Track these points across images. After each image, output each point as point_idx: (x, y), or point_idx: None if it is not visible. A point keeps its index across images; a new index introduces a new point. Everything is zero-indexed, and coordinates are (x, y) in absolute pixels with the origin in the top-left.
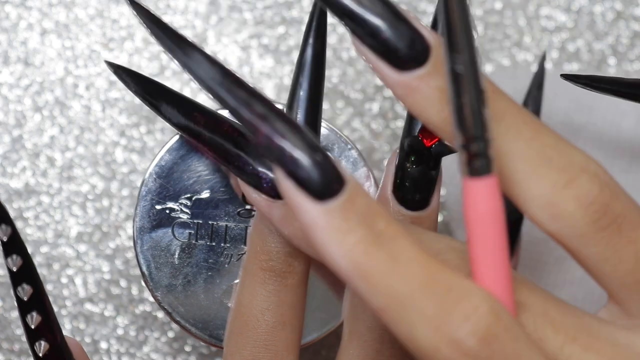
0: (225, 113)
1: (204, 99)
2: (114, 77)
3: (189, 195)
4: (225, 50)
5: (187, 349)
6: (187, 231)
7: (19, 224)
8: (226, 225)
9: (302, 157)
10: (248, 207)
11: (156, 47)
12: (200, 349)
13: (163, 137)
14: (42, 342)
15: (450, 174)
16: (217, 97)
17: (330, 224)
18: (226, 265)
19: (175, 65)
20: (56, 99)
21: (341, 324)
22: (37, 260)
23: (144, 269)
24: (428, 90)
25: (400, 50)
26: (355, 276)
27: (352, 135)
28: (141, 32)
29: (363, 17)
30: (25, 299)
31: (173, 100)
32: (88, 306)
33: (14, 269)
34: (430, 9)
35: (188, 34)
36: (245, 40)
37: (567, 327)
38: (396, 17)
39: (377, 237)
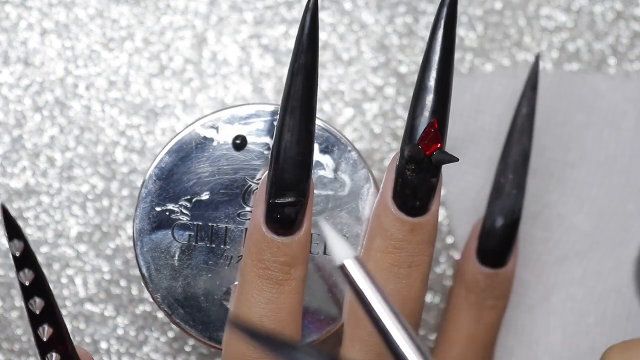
0: None
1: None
2: (114, 77)
3: (188, 197)
4: (225, 50)
5: (187, 349)
6: (187, 233)
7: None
8: (226, 227)
9: None
10: (248, 209)
11: (156, 47)
12: (200, 349)
13: (163, 137)
14: (54, 354)
15: (450, 174)
16: None
17: None
18: (226, 267)
19: (175, 65)
20: (56, 99)
21: (341, 326)
22: None
23: (144, 270)
24: None
25: None
26: None
27: (352, 135)
28: (141, 32)
29: None
30: (37, 312)
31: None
32: (88, 306)
33: (27, 283)
34: (431, 9)
35: (188, 34)
36: (245, 40)
37: None
38: None
39: None
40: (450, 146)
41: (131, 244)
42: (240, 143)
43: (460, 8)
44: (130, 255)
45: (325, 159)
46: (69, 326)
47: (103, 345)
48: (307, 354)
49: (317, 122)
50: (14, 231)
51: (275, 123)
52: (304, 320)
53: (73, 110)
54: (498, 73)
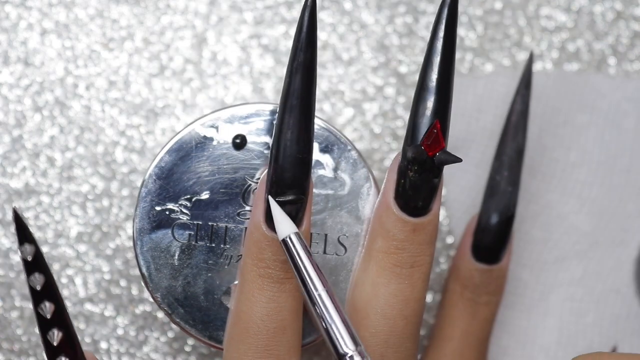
0: None
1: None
2: (114, 77)
3: (188, 196)
4: (225, 50)
5: (187, 349)
6: (187, 232)
7: None
8: (226, 226)
9: None
10: (248, 208)
11: (156, 47)
12: (200, 349)
13: (163, 137)
14: (63, 358)
15: (451, 174)
16: None
17: None
18: (226, 267)
19: (175, 65)
20: (56, 99)
21: None
22: None
23: (144, 270)
24: None
25: None
26: None
27: (352, 135)
28: (141, 32)
29: None
30: (48, 316)
31: None
32: (88, 306)
33: (38, 288)
34: (431, 9)
35: (188, 34)
36: (245, 40)
37: None
38: None
39: None
40: (451, 146)
41: (131, 243)
42: (240, 142)
43: (460, 8)
44: (130, 255)
45: (325, 158)
46: None
47: (103, 345)
48: None
49: (317, 121)
50: (25, 235)
51: (275, 122)
52: (304, 320)
53: (73, 110)
54: (500, 73)
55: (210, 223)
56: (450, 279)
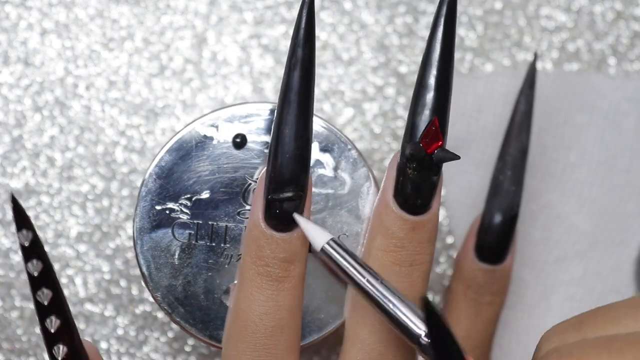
0: None
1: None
2: (114, 77)
3: (188, 195)
4: (225, 50)
5: (187, 349)
6: (187, 231)
7: None
8: (226, 225)
9: None
10: (248, 207)
11: (156, 47)
12: (200, 349)
13: (163, 137)
14: (61, 346)
15: (450, 174)
16: None
17: None
18: (226, 266)
19: (175, 65)
20: (56, 99)
21: (341, 325)
22: None
23: (144, 269)
24: None
25: None
26: None
27: (352, 135)
28: (141, 32)
29: None
30: (46, 303)
31: None
32: (88, 306)
33: (35, 274)
34: (431, 9)
35: (188, 34)
36: (245, 40)
37: None
38: None
39: None
40: (451, 146)
41: (131, 243)
42: (240, 142)
43: (460, 8)
44: (130, 255)
45: (325, 158)
46: None
47: (103, 345)
48: None
49: (317, 120)
50: (23, 221)
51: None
52: (304, 320)
53: (73, 110)
54: (499, 73)
55: (210, 222)
56: (454, 279)
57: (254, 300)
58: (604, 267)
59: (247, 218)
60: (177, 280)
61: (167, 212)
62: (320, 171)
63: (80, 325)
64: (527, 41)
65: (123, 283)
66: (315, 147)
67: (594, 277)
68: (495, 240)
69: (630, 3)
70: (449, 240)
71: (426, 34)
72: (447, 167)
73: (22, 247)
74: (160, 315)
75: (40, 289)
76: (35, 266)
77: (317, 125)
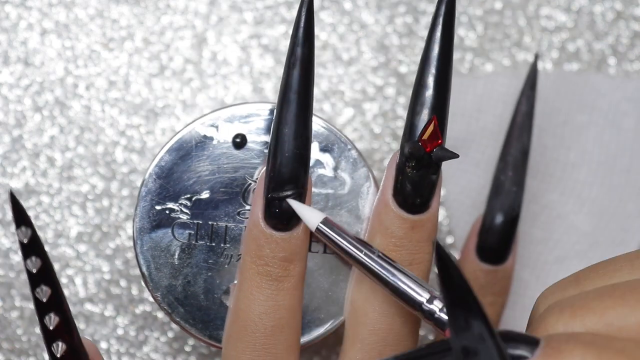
0: None
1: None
2: (114, 77)
3: (188, 195)
4: (225, 50)
5: (187, 349)
6: (187, 231)
7: None
8: (226, 225)
9: None
10: (248, 207)
11: (156, 47)
12: (200, 349)
13: (163, 137)
14: (60, 343)
15: (450, 174)
16: None
17: None
18: (226, 266)
19: (175, 65)
20: (56, 99)
21: (341, 324)
22: None
23: (144, 269)
24: None
25: None
26: None
27: (352, 135)
28: (141, 32)
29: None
30: (44, 300)
31: None
32: (88, 306)
33: (34, 271)
34: (430, 9)
35: (188, 34)
36: (245, 40)
37: None
38: None
39: None
40: (451, 146)
41: (131, 243)
42: (240, 142)
43: (460, 8)
44: (130, 255)
45: (325, 158)
46: None
47: (103, 345)
48: None
49: (317, 120)
50: (22, 219)
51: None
52: (304, 319)
53: (73, 110)
54: (499, 73)
55: (210, 222)
56: None
57: (254, 299)
58: None
59: (247, 218)
60: (177, 280)
61: (167, 212)
62: (320, 171)
63: (80, 325)
64: (527, 41)
65: (123, 283)
66: (315, 147)
67: None
68: (496, 240)
69: (630, 3)
70: (449, 240)
71: (426, 34)
72: (446, 167)
73: (21, 244)
74: (160, 315)
75: (39, 286)
76: (34, 263)
77: (317, 125)
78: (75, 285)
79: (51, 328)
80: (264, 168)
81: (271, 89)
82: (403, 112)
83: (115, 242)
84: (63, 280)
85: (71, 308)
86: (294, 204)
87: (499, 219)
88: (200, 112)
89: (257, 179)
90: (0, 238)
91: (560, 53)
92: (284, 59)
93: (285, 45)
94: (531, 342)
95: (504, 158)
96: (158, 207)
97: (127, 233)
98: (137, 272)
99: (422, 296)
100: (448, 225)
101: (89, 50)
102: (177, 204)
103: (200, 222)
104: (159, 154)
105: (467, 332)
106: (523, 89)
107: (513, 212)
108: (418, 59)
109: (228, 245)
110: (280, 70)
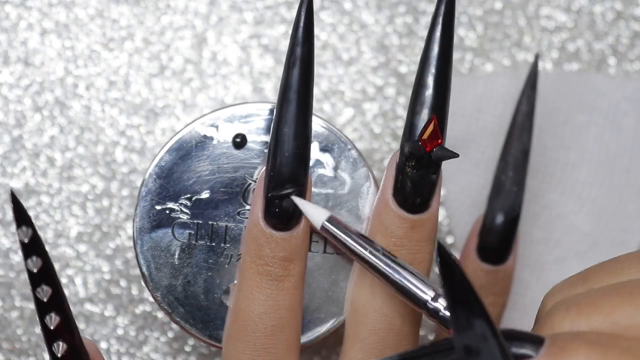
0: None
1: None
2: (114, 77)
3: (188, 195)
4: (225, 50)
5: (187, 349)
6: (187, 231)
7: None
8: (226, 225)
9: None
10: (248, 207)
11: (156, 47)
12: (200, 349)
13: (163, 137)
14: (61, 343)
15: (450, 173)
16: None
17: None
18: (226, 266)
19: (175, 65)
20: (56, 99)
21: (341, 324)
22: None
23: (144, 269)
24: None
25: None
26: None
27: (352, 135)
28: (141, 32)
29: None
30: (45, 300)
31: None
32: (88, 306)
33: (35, 270)
34: (430, 9)
35: (188, 34)
36: (245, 40)
37: None
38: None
39: None
40: (451, 146)
41: (131, 243)
42: (240, 141)
43: (460, 8)
44: (130, 255)
45: (325, 158)
46: None
47: (103, 345)
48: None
49: (317, 120)
50: (22, 218)
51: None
52: (304, 319)
53: (73, 110)
54: (499, 73)
55: (210, 222)
56: None
57: (254, 299)
58: None
59: (247, 218)
60: (177, 280)
61: (167, 212)
62: (320, 171)
63: (80, 325)
64: (527, 41)
65: (123, 283)
66: (315, 147)
67: None
68: (497, 240)
69: (630, 3)
70: (449, 240)
71: (426, 34)
72: (446, 167)
73: (22, 244)
74: (160, 315)
75: (40, 285)
76: (35, 263)
77: (317, 125)
78: (75, 285)
79: (52, 328)
80: (264, 168)
81: (271, 89)
82: (403, 112)
83: (115, 242)
84: (63, 280)
85: (71, 308)
86: (299, 201)
87: (499, 219)
88: (200, 112)
89: (257, 179)
90: (0, 238)
91: (560, 53)
92: (284, 59)
93: (285, 45)
94: (536, 341)
95: (504, 158)
96: (158, 207)
97: (127, 233)
98: (137, 272)
99: (426, 294)
100: (448, 225)
101: (89, 50)
102: (177, 204)
103: (200, 222)
104: (159, 154)
105: (470, 331)
106: (523, 89)
107: (513, 212)
108: (418, 59)
109: (228, 245)
110: (280, 70)
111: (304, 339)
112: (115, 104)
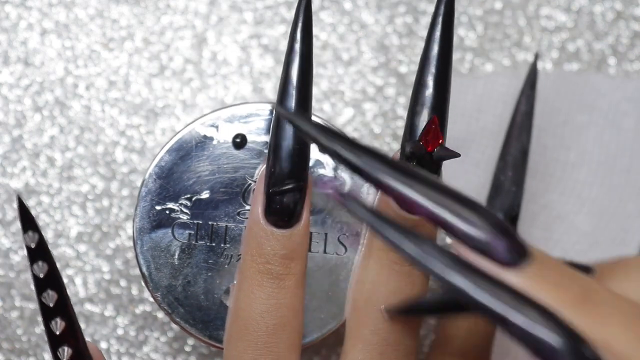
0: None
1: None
2: (114, 77)
3: (188, 195)
4: (225, 50)
5: (187, 349)
6: (187, 232)
7: (19, 224)
8: (226, 225)
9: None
10: (248, 207)
11: (156, 47)
12: (200, 349)
13: (163, 137)
14: (66, 348)
15: (450, 173)
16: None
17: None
18: (226, 266)
19: (175, 65)
20: (56, 99)
21: (342, 324)
22: None
23: (144, 269)
24: None
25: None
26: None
27: (352, 135)
28: (141, 32)
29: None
30: (51, 305)
31: None
32: (88, 306)
33: (41, 276)
34: (430, 9)
35: (188, 34)
36: (245, 40)
37: None
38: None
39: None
40: (451, 146)
41: (131, 243)
42: (240, 142)
43: (460, 8)
44: (130, 255)
45: (326, 157)
46: None
47: (103, 345)
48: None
49: (317, 120)
50: (29, 223)
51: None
52: (304, 319)
53: (73, 110)
54: (499, 73)
55: (210, 222)
56: None
57: (255, 298)
58: None
59: (247, 218)
60: (177, 280)
61: (167, 212)
62: (320, 171)
63: (80, 325)
64: (527, 41)
65: (123, 283)
66: (315, 146)
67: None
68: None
69: (630, 3)
70: (449, 239)
71: (426, 34)
72: (446, 167)
73: (28, 249)
74: (160, 315)
75: (46, 290)
76: (41, 268)
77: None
78: (75, 285)
79: (57, 333)
80: (264, 167)
81: (271, 89)
82: (403, 112)
83: (115, 242)
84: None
85: None
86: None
87: None
88: (200, 112)
89: (257, 178)
90: (0, 238)
91: (560, 53)
92: (284, 58)
93: (285, 45)
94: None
95: (503, 158)
96: (158, 207)
97: (127, 233)
98: (137, 272)
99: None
100: None
101: (89, 50)
102: (177, 204)
103: (200, 222)
104: (159, 154)
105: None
106: (523, 89)
107: (513, 211)
108: (418, 59)
109: (228, 246)
110: (280, 70)
111: (304, 339)
112: (115, 104)
